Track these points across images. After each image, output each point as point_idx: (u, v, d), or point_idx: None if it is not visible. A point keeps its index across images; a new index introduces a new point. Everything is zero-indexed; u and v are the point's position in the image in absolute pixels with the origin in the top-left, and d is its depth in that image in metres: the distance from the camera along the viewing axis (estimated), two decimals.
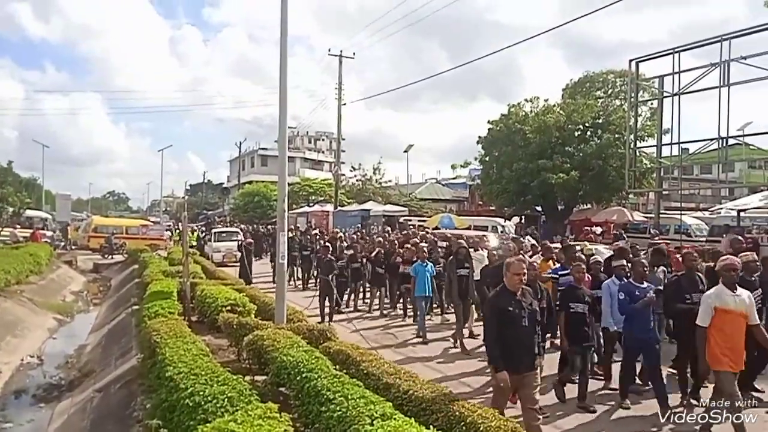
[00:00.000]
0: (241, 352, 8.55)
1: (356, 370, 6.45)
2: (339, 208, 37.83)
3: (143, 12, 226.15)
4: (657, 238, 18.29)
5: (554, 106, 32.52)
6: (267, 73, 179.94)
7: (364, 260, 14.50)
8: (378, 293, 14.40)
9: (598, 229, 24.88)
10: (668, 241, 17.95)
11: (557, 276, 9.11)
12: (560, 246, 11.94)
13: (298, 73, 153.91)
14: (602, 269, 8.76)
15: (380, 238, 16.93)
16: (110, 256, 31.23)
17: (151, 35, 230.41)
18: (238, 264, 24.30)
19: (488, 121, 33.48)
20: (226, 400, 5.17)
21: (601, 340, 8.00)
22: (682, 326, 7.12)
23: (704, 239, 20.96)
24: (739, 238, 11.53)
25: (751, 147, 27.54)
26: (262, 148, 71.08)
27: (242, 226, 36.51)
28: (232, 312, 10.14)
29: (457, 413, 4.79)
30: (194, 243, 29.89)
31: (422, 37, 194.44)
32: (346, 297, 14.53)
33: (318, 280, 14.69)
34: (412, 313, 12.75)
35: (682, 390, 7.28)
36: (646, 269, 7.53)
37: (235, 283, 14.38)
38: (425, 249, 12.44)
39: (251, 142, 75.73)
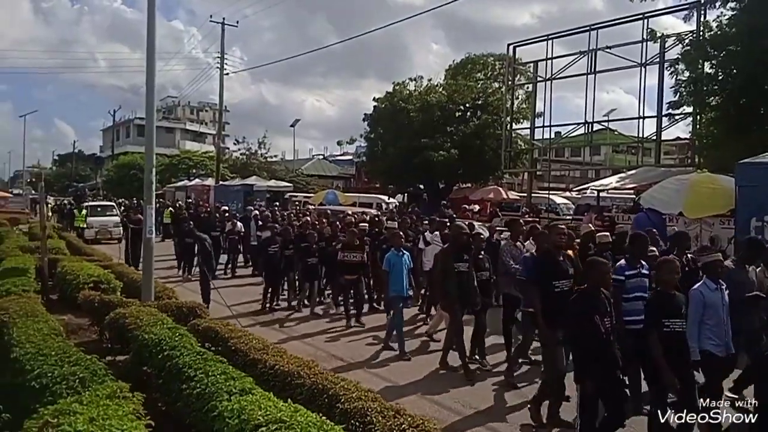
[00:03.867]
0: (103, 332, 8.11)
1: (224, 347, 6.32)
2: (221, 182, 36.75)
3: None
4: (528, 216, 19.30)
5: (437, 86, 33.29)
6: (145, 39, 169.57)
7: (289, 246, 11.89)
8: (310, 288, 11.69)
9: (476, 207, 25.90)
10: (538, 219, 19.04)
11: (623, 277, 6.07)
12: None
13: (179, 40, 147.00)
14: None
15: (306, 217, 14.54)
16: None
17: None
18: (115, 242, 22.88)
19: (374, 99, 33.78)
20: (77, 381, 4.87)
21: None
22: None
23: (570, 217, 22.45)
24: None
25: (615, 132, 29.63)
26: (139, 117, 67.17)
27: (123, 200, 34.28)
28: (96, 289, 9.57)
29: (320, 386, 4.80)
30: (83, 224, 24.83)
31: (308, 11, 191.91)
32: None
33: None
34: (354, 312, 10.55)
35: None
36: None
37: (102, 260, 13.57)
38: (400, 233, 10.02)
39: (127, 111, 71.65)
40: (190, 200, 31.01)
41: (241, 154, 45.50)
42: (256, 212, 18.17)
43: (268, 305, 11.60)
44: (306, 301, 11.74)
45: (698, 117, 18.87)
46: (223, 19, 36.41)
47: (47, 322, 6.83)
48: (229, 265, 16.24)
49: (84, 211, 25.37)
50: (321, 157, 59.66)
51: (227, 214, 18.28)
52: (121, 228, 23.23)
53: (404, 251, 9.31)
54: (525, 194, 28.12)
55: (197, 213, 20.24)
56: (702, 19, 17.72)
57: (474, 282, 7.76)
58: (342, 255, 10.57)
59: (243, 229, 16.75)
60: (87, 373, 5.03)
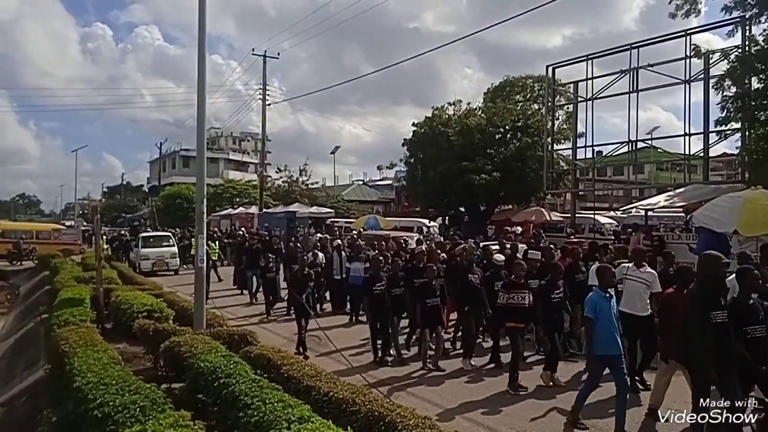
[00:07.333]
0: (157, 360, 8.29)
1: (277, 374, 6.38)
2: (264, 209, 37.30)
3: (51, 8, 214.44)
4: (572, 236, 19.00)
5: (476, 109, 33.36)
6: (189, 74, 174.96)
7: (399, 281, 9.73)
8: (434, 336, 9.10)
9: (519, 229, 25.60)
10: (583, 240, 18.71)
11: None
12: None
13: (220, 74, 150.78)
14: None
15: (423, 246, 12.08)
16: (19, 263, 29.61)
17: (62, 32, 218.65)
18: (171, 273, 22.56)
19: (413, 124, 34.04)
20: (138, 409, 5.00)
21: None
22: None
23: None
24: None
25: (658, 150, 29.06)
26: (184, 149, 69.01)
27: (177, 229, 34.84)
28: (149, 318, 9.82)
29: (376, 413, 4.80)
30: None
31: (344, 41, 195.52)
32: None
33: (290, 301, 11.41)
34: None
35: None
36: None
37: (153, 288, 13.89)
38: (611, 267, 7.15)
39: (172, 143, 73.61)
40: (252, 229, 31.13)
41: (283, 181, 46.23)
42: (338, 241, 15.53)
43: (379, 357, 9.42)
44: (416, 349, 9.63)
45: (747, 133, 18.38)
46: (265, 51, 37.36)
47: (106, 352, 7.03)
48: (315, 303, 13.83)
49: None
50: (361, 182, 60.22)
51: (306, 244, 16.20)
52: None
53: (611, 292, 6.60)
54: (568, 215, 27.72)
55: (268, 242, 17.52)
56: (747, 33, 17.39)
57: (732, 338, 5.25)
58: (506, 297, 8.19)
59: (324, 261, 14.70)
60: (147, 401, 5.15)
